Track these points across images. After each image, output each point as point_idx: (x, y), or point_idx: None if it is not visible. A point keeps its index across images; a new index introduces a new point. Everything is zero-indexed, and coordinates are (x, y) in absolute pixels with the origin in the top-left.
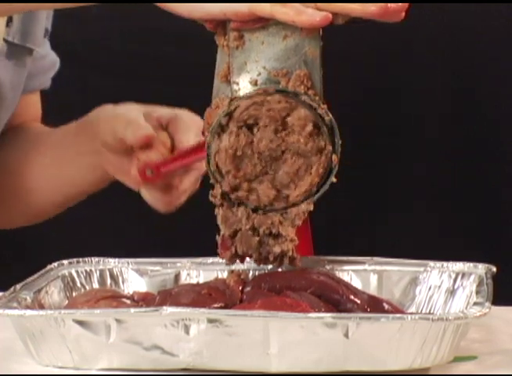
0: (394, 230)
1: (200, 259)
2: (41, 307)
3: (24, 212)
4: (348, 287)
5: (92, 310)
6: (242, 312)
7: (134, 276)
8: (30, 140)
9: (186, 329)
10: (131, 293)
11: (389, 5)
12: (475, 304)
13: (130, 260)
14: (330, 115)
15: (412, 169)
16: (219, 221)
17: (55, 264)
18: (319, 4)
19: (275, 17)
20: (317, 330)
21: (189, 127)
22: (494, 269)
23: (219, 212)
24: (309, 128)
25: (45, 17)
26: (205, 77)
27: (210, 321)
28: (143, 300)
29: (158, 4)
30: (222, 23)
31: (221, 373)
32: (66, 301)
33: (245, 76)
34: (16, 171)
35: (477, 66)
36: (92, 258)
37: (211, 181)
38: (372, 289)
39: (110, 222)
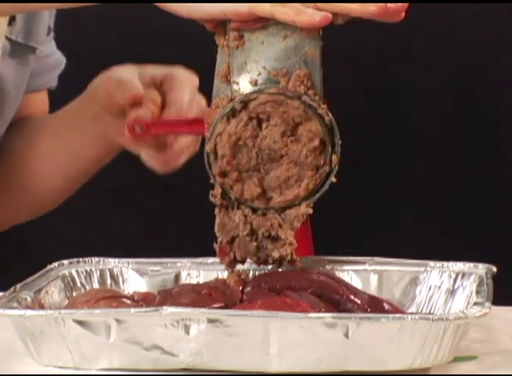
0: (394, 230)
1: (200, 259)
2: (42, 307)
3: (29, 203)
4: (348, 287)
5: (92, 310)
6: (242, 312)
7: (134, 276)
8: (36, 129)
9: (186, 329)
10: (131, 293)
11: (389, 5)
12: (475, 304)
13: (130, 260)
14: (330, 115)
15: (412, 169)
16: (216, 228)
17: (56, 264)
18: (318, 4)
19: (275, 17)
20: (317, 330)
21: (184, 84)
22: (494, 269)
23: (216, 220)
24: (315, 143)
25: (47, 15)
26: (205, 77)
27: (211, 321)
28: (143, 300)
29: (158, 4)
30: (222, 23)
31: (222, 373)
32: (67, 301)
33: (245, 76)
34: (20, 161)
35: (478, 66)
36: (92, 258)
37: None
38: (372, 289)
39: (110, 222)
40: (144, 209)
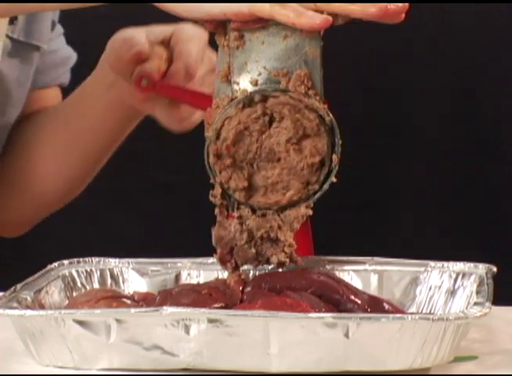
0: (394, 230)
1: (200, 259)
2: (42, 307)
3: (33, 201)
4: (349, 287)
5: (93, 310)
6: (242, 312)
7: (134, 276)
8: (48, 118)
9: (186, 329)
10: (131, 293)
11: (389, 6)
12: (475, 304)
13: (130, 260)
14: (331, 115)
15: (412, 169)
16: (214, 242)
17: (56, 264)
18: (318, 4)
19: (274, 18)
20: (317, 330)
21: (191, 37)
22: (494, 269)
23: (213, 233)
24: (315, 160)
25: (51, 12)
26: None
27: (211, 321)
28: (144, 300)
29: (158, 4)
30: (222, 24)
31: (222, 373)
32: (67, 301)
33: (245, 76)
34: (30, 156)
35: (477, 66)
36: (93, 258)
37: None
38: (372, 289)
39: (110, 222)
40: (144, 209)
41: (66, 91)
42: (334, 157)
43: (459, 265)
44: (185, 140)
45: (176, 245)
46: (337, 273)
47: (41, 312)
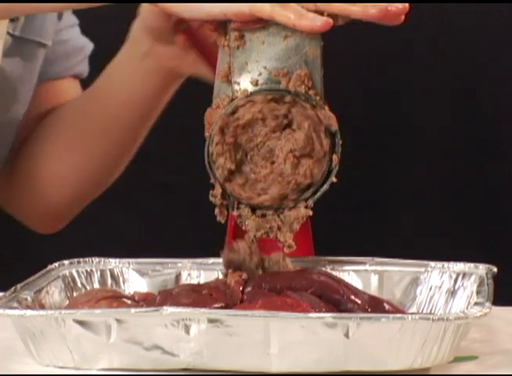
0: (394, 230)
1: (200, 260)
2: (42, 307)
3: (43, 205)
4: (349, 287)
5: (93, 310)
6: (242, 312)
7: (134, 276)
8: (68, 110)
9: (187, 329)
10: (131, 293)
11: (389, 7)
12: (476, 304)
13: (131, 260)
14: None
15: (412, 169)
16: (224, 265)
17: (56, 264)
18: (318, 4)
19: (274, 19)
20: (317, 330)
21: None
22: (495, 269)
23: (222, 256)
24: (304, 182)
25: None
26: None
27: (211, 321)
28: (144, 300)
29: (158, 4)
30: (223, 24)
31: (222, 373)
32: (67, 302)
33: (246, 76)
34: (41, 152)
35: (477, 66)
36: (93, 259)
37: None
38: (372, 289)
39: (110, 222)
40: (144, 209)
41: (86, 83)
42: (334, 157)
43: (460, 266)
44: (185, 140)
45: (176, 245)
46: (337, 273)
47: (42, 312)
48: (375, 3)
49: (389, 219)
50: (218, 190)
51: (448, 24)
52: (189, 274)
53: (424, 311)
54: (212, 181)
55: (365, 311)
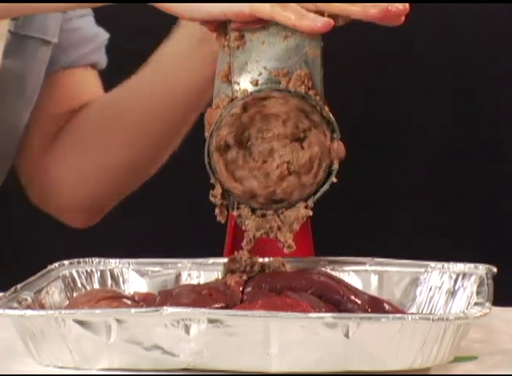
0: (394, 230)
1: (200, 260)
2: (42, 307)
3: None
4: (349, 287)
5: (93, 310)
6: (242, 313)
7: (134, 276)
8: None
9: (187, 329)
10: (131, 293)
11: (390, 7)
12: (476, 304)
13: (131, 260)
14: (331, 115)
15: (412, 169)
16: (225, 272)
17: (56, 264)
18: (318, 4)
19: (275, 20)
20: (317, 330)
21: None
22: (494, 269)
23: (224, 265)
24: (281, 196)
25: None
26: None
27: (211, 321)
28: (144, 300)
29: (157, 4)
30: (223, 24)
31: (222, 373)
32: (67, 302)
33: (246, 76)
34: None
35: (477, 66)
36: (93, 259)
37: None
38: (372, 289)
39: (110, 222)
40: (144, 209)
41: (104, 74)
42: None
43: (460, 266)
44: (185, 140)
45: (176, 245)
46: (337, 274)
47: (42, 312)
48: (375, 3)
49: (389, 219)
50: (218, 190)
51: (448, 24)
52: (189, 274)
53: (424, 311)
54: (212, 181)
55: (365, 311)
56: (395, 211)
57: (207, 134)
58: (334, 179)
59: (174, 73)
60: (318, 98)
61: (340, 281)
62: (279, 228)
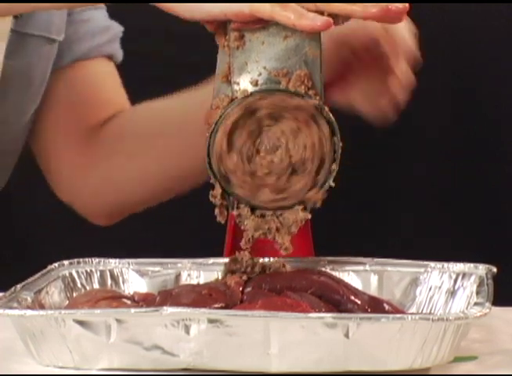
0: (394, 230)
1: (200, 260)
2: (42, 307)
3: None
4: (349, 287)
5: (93, 310)
6: (242, 313)
7: (134, 276)
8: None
9: (187, 329)
10: (131, 293)
11: (390, 6)
12: (476, 304)
13: (130, 260)
14: (331, 115)
15: (412, 169)
16: (225, 273)
17: (56, 264)
18: (318, 4)
19: (275, 19)
20: (317, 330)
21: None
22: (494, 269)
23: (224, 265)
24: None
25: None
26: (206, 77)
27: (211, 321)
28: (144, 300)
29: (160, 4)
30: (223, 24)
31: (222, 373)
32: (67, 302)
33: (246, 76)
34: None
35: (477, 66)
36: (93, 259)
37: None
38: (372, 290)
39: None
40: (144, 209)
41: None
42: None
43: (459, 266)
44: None
45: (176, 245)
46: (337, 274)
47: (42, 312)
48: (375, 3)
49: (389, 219)
50: (218, 190)
51: (448, 24)
52: (188, 274)
53: (424, 311)
54: (212, 181)
55: (365, 311)
56: (395, 211)
57: (206, 134)
58: (332, 184)
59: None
60: (318, 98)
61: (340, 281)
62: (277, 229)
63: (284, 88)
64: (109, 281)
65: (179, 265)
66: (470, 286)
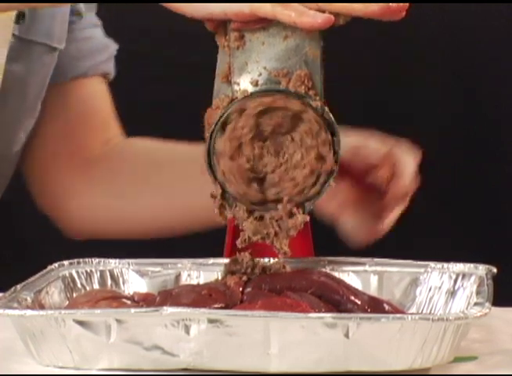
0: (394, 230)
1: (200, 260)
2: (42, 307)
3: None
4: (349, 287)
5: (93, 310)
6: (242, 313)
7: (134, 276)
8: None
9: (187, 329)
10: (131, 294)
11: (390, 4)
12: (475, 304)
13: (130, 261)
14: (331, 116)
15: None
16: (225, 273)
17: (56, 264)
18: (320, 3)
19: (276, 18)
20: (317, 330)
21: None
22: (494, 269)
23: (225, 266)
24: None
25: (61, 9)
26: (206, 77)
27: (211, 321)
28: (144, 300)
29: (166, 5)
30: (223, 24)
31: (222, 373)
32: (67, 302)
33: (246, 76)
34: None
35: (477, 66)
36: (93, 259)
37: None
38: (372, 290)
39: None
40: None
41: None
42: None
43: (459, 266)
44: (184, 140)
45: (176, 245)
46: (336, 274)
47: (42, 312)
48: (376, 3)
49: None
50: (218, 190)
51: (448, 24)
52: (188, 274)
53: (424, 311)
54: (212, 181)
55: (365, 311)
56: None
57: (206, 134)
58: (332, 184)
59: None
60: (318, 98)
61: (340, 281)
62: (276, 234)
63: (284, 88)
64: (109, 281)
65: (179, 265)
66: (470, 286)
